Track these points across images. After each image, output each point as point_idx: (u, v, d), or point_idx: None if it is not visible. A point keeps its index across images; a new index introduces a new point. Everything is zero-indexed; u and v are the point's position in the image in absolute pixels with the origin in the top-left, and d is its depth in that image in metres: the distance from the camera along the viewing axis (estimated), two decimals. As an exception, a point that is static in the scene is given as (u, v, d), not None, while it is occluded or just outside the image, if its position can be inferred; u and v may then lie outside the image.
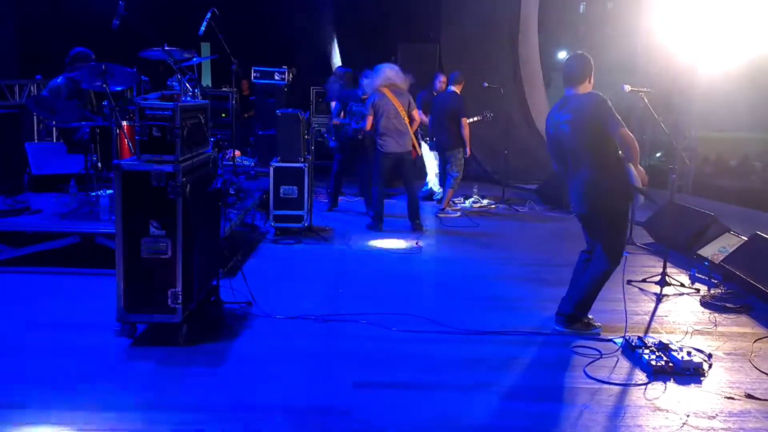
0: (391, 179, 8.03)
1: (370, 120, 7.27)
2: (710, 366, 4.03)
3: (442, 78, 9.04)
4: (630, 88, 4.92)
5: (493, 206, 9.08)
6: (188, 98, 5.52)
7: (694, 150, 10.41)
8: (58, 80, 6.78)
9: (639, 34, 10.86)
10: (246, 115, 11.26)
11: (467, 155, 8.50)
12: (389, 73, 7.37)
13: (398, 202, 8.50)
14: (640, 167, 4.24)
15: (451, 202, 8.73)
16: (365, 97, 7.61)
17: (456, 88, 8.48)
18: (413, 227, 7.46)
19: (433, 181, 9.40)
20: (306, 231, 6.97)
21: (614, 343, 4.34)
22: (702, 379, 3.89)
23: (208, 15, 6.41)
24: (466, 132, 8.27)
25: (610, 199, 4.29)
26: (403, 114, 7.35)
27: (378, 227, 7.38)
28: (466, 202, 9.16)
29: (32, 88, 9.61)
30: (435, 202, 9.16)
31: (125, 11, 5.50)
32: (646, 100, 5.34)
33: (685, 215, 6.97)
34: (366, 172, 8.56)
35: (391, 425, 3.26)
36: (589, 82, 4.33)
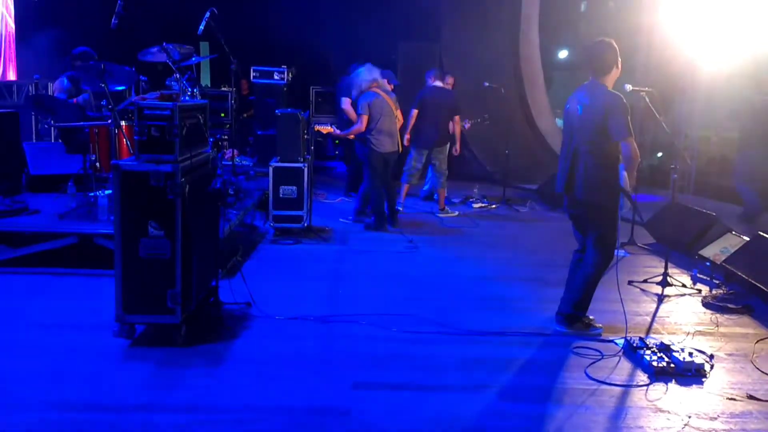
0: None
1: (365, 120, 7.20)
2: (712, 367, 4.01)
3: (450, 80, 9.03)
4: (631, 88, 4.90)
5: (493, 206, 9.07)
6: (187, 98, 5.50)
7: (696, 150, 10.40)
8: (64, 81, 6.77)
9: (640, 33, 10.84)
10: (245, 115, 11.23)
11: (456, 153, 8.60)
12: (372, 74, 7.35)
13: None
14: (633, 175, 4.25)
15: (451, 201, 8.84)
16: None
17: (448, 84, 8.70)
18: (392, 222, 7.48)
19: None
20: (305, 231, 6.95)
21: (615, 343, 4.32)
22: (704, 380, 3.87)
23: (207, 14, 6.39)
24: (456, 129, 8.36)
25: (600, 189, 4.29)
26: (396, 113, 7.34)
27: (383, 227, 7.36)
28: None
29: (30, 88, 9.59)
30: (436, 202, 9.14)
31: (124, 10, 5.48)
32: (648, 100, 5.31)
33: (686, 215, 6.96)
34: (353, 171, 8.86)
35: (390, 426, 3.25)
36: (617, 67, 4.31)
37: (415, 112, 8.15)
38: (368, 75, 7.31)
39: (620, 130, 4.13)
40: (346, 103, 8.72)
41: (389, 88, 7.59)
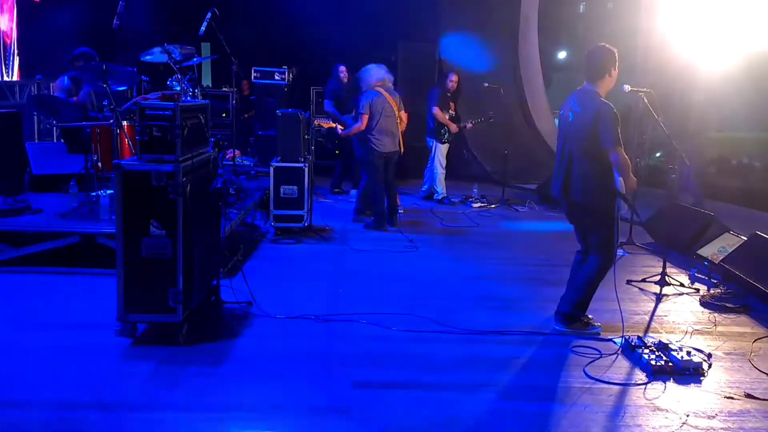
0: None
1: (365, 119, 7.21)
2: (710, 366, 4.04)
3: (454, 77, 9.08)
4: (630, 89, 4.93)
5: (492, 206, 9.10)
6: (188, 98, 5.53)
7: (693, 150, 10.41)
8: (65, 80, 6.80)
9: (639, 34, 10.86)
10: (246, 115, 11.26)
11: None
12: (380, 72, 7.36)
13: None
14: (632, 176, 4.27)
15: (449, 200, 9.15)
16: None
17: (452, 82, 9.10)
18: (392, 223, 7.49)
19: (440, 180, 9.29)
20: (306, 231, 6.98)
21: (614, 342, 4.34)
22: (702, 378, 3.90)
23: (209, 15, 6.42)
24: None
25: (596, 193, 4.32)
26: (398, 113, 7.35)
27: (382, 227, 7.38)
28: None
29: (33, 88, 9.62)
30: (435, 202, 9.17)
31: (125, 10, 5.51)
32: (646, 101, 5.34)
33: (684, 215, 6.98)
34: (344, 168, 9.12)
35: (391, 425, 3.27)
36: (610, 75, 4.33)
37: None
38: (374, 73, 7.32)
39: (609, 139, 4.15)
40: (329, 106, 8.84)
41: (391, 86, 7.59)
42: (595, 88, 4.32)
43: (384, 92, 7.28)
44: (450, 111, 9.07)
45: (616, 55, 4.34)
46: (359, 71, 7.62)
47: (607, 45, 4.36)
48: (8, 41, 10.12)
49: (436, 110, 8.91)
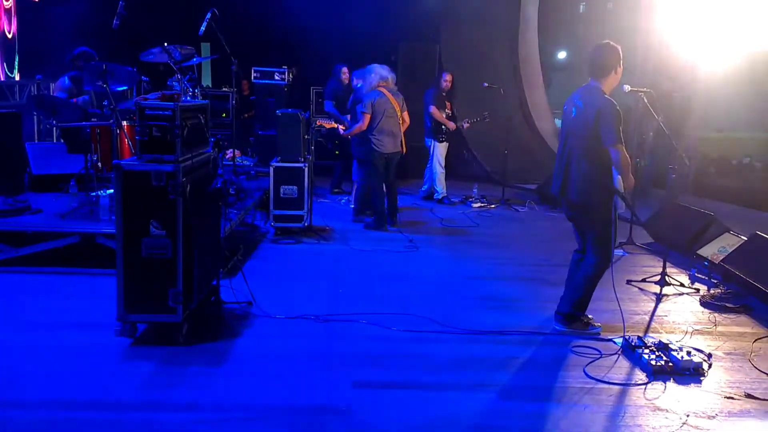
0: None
1: (367, 119, 7.20)
2: (710, 366, 4.04)
3: (448, 77, 9.08)
4: (630, 89, 4.92)
5: (492, 206, 9.09)
6: (188, 98, 5.53)
7: (694, 150, 10.41)
8: (65, 80, 6.80)
9: (638, 34, 10.86)
10: (246, 115, 11.26)
11: None
12: (383, 71, 7.34)
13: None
14: (630, 176, 4.26)
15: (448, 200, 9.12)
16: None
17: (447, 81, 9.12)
18: (392, 222, 7.50)
19: (439, 180, 9.28)
20: (306, 231, 6.98)
21: (614, 342, 4.34)
22: (702, 378, 3.90)
23: (209, 15, 6.41)
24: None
25: (594, 192, 4.31)
26: (399, 114, 7.33)
27: (382, 227, 7.37)
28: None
29: (33, 88, 9.62)
30: (435, 201, 9.17)
31: (125, 11, 5.51)
32: (646, 101, 5.34)
33: (684, 215, 6.98)
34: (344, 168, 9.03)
35: (391, 425, 3.27)
36: (615, 72, 4.33)
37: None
38: (377, 73, 7.30)
39: (609, 136, 4.14)
40: (329, 106, 8.86)
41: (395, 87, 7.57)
42: (599, 84, 4.32)
43: (387, 93, 7.27)
44: (446, 110, 9.07)
45: (621, 52, 4.33)
46: (355, 71, 7.62)
47: (611, 42, 4.36)
48: (9, 41, 10.12)
49: (433, 109, 8.93)
